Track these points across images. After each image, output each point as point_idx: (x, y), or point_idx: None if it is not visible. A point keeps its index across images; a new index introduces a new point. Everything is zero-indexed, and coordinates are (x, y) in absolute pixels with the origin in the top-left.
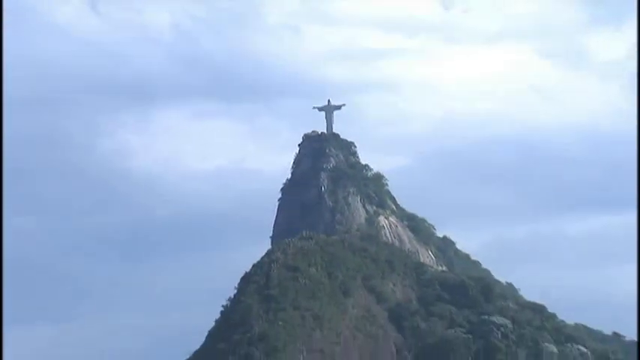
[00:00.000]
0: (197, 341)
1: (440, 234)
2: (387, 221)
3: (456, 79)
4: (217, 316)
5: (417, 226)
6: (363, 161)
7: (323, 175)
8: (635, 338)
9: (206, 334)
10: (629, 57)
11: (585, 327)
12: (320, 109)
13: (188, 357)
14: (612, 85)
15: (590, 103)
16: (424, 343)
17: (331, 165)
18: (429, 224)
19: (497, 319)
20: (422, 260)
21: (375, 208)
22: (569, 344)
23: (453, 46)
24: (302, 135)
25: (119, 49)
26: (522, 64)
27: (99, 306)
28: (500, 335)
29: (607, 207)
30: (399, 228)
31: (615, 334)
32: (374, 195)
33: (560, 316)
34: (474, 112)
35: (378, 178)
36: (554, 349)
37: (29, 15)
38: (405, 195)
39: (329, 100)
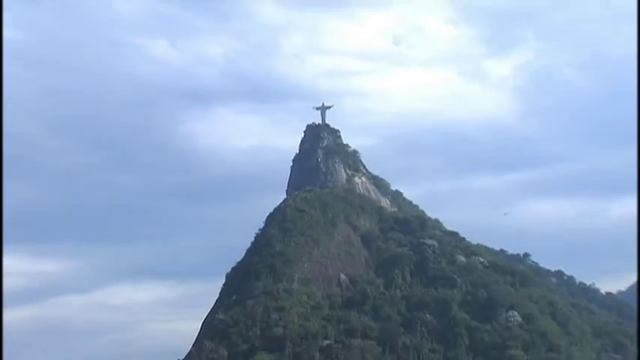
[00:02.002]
0: (239, 256)
1: (393, 188)
2: (359, 180)
3: (403, 89)
4: (252, 240)
5: (378, 183)
6: (344, 142)
7: (319, 151)
8: (515, 252)
9: (245, 251)
10: (513, 75)
11: (483, 246)
12: (317, 108)
13: (234, 265)
14: (502, 93)
15: (487, 104)
16: (383, 257)
17: (324, 144)
18: (386, 182)
19: (428, 241)
20: (382, 205)
21: (352, 172)
22: (472, 256)
23: (401, 68)
24: (306, 125)
25: (189, 69)
26: (445, 79)
27: (173, 233)
28: (430, 251)
29: (498, 171)
30: (367, 184)
31: (502, 250)
32: (351, 163)
33: (468, 239)
34: (415, 110)
35: (354, 152)
36: (463, 259)
37: (134, 49)
38: (371, 163)
39: (323, 103)
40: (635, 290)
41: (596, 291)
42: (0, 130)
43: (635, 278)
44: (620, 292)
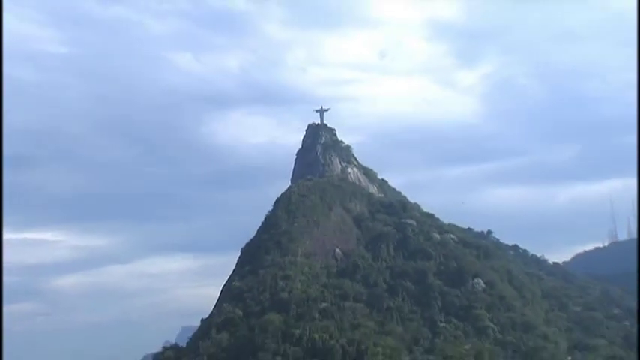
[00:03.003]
0: (251, 234)
1: (380, 177)
2: (351, 171)
3: (387, 95)
4: (262, 220)
5: (367, 173)
6: (339, 139)
7: (318, 146)
8: (480, 230)
9: (256, 230)
10: (478, 83)
11: (454, 225)
12: (316, 111)
13: (248, 241)
14: (469, 98)
15: (457, 108)
16: (371, 234)
17: (322, 141)
18: (374, 172)
19: (409, 221)
20: (370, 191)
21: (345, 164)
22: (445, 234)
23: (386, 78)
24: (307, 125)
25: (209, 78)
26: (422, 87)
27: (197, 214)
28: (410, 230)
29: (466, 163)
30: (358, 174)
31: (469, 228)
32: (345, 157)
33: (441, 220)
34: (397, 112)
35: (347, 148)
36: (437, 236)
37: (164, 62)
38: (361, 156)
39: (321, 106)
40: (578, 260)
41: (545, 261)
42: (0, 130)
43: (577, 250)
44: (564, 262)
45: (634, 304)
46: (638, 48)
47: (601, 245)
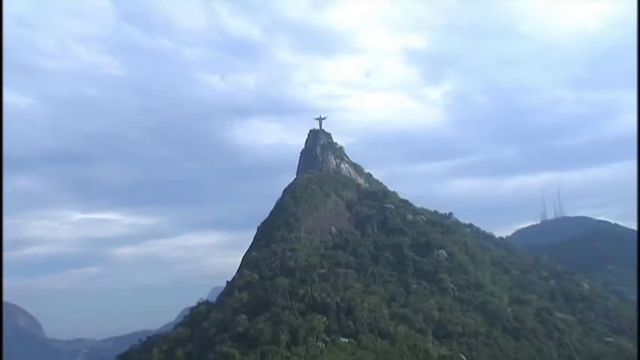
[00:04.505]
0: (265, 215)
1: (366, 171)
2: (344, 166)
3: (371, 106)
4: (274, 205)
5: (356, 168)
6: (334, 141)
7: (317, 147)
8: (443, 212)
9: (269, 212)
10: (441, 98)
11: (424, 208)
12: (316, 119)
13: (262, 221)
14: (435, 109)
15: (425, 117)
16: (359, 216)
17: (321, 142)
18: (361, 167)
19: (388, 206)
20: (358, 182)
21: (339, 160)
22: (417, 215)
23: (370, 93)
24: (309, 130)
25: (232, 93)
26: (399, 100)
27: (223, 200)
28: (389, 212)
29: (432, 160)
30: (349, 169)
31: (435, 211)
32: (338, 155)
33: (414, 204)
34: (379, 120)
35: (340, 148)
36: (411, 217)
37: (197, 81)
38: (351, 155)
39: (320, 115)
40: (517, 235)
41: (492, 236)
42: (0, 130)
43: (516, 227)
44: (507, 237)
45: (559, 268)
46: (638, 48)
47: (534, 223)
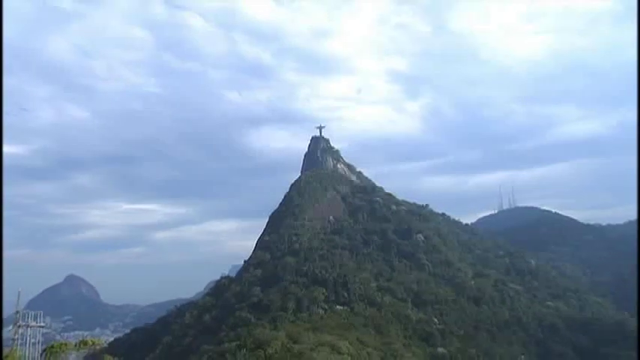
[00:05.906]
0: (275, 206)
1: (358, 170)
2: (340, 166)
3: (362, 117)
4: (282, 197)
5: (350, 167)
6: (332, 145)
7: (318, 150)
8: (421, 203)
9: (278, 204)
10: (419, 110)
11: (405, 200)
12: (317, 127)
13: (273, 210)
14: (413, 120)
15: (406, 126)
16: (352, 207)
17: (321, 146)
18: (354, 166)
19: (376, 198)
20: (352, 179)
21: (335, 161)
22: (399, 206)
23: (361, 106)
24: (311, 136)
25: (248, 107)
26: (384, 112)
27: (240, 193)
28: (377, 204)
29: (412, 161)
30: (344, 168)
31: (414, 202)
32: (335, 157)
33: (397, 197)
34: (368, 128)
35: (337, 151)
36: (395, 207)
37: (219, 96)
38: (346, 156)
39: (320, 124)
40: (480, 222)
41: (460, 223)
42: (1, 130)
43: (479, 215)
44: (472, 223)
45: (512, 248)
46: (638, 49)
47: (493, 212)
